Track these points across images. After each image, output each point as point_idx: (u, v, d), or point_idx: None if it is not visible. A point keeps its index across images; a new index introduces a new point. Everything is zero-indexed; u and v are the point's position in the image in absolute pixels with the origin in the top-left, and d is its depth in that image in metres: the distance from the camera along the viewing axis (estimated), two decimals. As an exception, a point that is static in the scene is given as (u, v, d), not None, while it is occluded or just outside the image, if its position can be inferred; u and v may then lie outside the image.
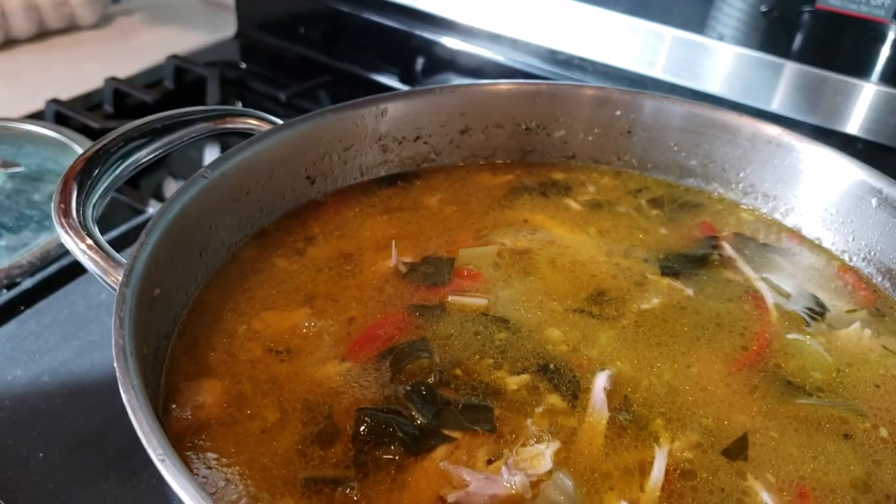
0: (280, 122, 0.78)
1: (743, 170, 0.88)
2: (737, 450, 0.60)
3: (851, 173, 0.80)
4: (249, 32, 1.58)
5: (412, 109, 0.87)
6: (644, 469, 0.58)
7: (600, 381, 0.64)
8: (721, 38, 1.11)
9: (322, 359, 0.66)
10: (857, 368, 0.69)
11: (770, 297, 0.75)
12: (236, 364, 0.65)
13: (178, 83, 1.39)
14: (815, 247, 0.84)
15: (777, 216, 0.87)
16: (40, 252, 0.94)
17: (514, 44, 1.30)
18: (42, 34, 1.59)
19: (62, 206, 0.63)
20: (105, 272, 0.60)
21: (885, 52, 1.01)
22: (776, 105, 1.10)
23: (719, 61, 1.12)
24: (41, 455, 0.74)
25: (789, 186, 0.85)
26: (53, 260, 0.95)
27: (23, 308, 0.91)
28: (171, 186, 1.21)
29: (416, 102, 0.87)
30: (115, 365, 0.51)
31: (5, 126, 1.18)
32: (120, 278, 0.58)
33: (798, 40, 1.06)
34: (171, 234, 0.64)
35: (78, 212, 0.63)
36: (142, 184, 1.19)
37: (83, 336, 0.87)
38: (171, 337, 0.66)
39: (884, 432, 0.63)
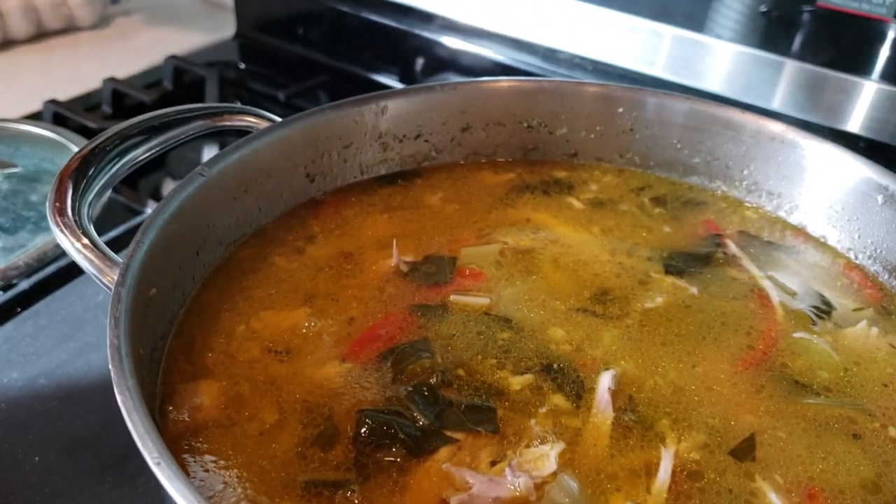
0: (278, 119, 0.77)
1: (747, 167, 0.87)
2: (744, 450, 0.59)
3: (857, 170, 0.79)
4: (248, 33, 1.57)
5: (412, 107, 0.86)
6: (650, 470, 0.57)
7: (605, 381, 0.63)
8: (721, 36, 1.10)
9: (322, 359, 0.65)
10: (865, 367, 0.68)
11: (776, 296, 0.74)
12: (234, 365, 0.64)
13: (177, 84, 1.38)
14: (821, 244, 0.83)
15: (781, 214, 0.86)
16: (37, 253, 0.93)
17: (513, 43, 1.29)
18: (40, 35, 1.59)
19: (57, 204, 0.62)
20: (101, 272, 0.59)
21: (885, 50, 1.01)
22: (777, 103, 1.10)
23: (720, 60, 1.11)
24: (37, 458, 0.73)
25: (794, 184, 0.84)
26: (50, 261, 0.94)
27: (19, 310, 0.90)
28: (169, 187, 1.20)
29: (417, 100, 0.86)
30: (110, 366, 0.50)
31: (2, 127, 1.17)
32: (116, 278, 0.57)
33: (799, 38, 1.05)
34: (168, 233, 0.63)
35: (73, 210, 0.62)
36: (140, 185, 1.19)
37: (80, 338, 0.87)
38: (168, 337, 0.65)
39: (893, 432, 0.62)
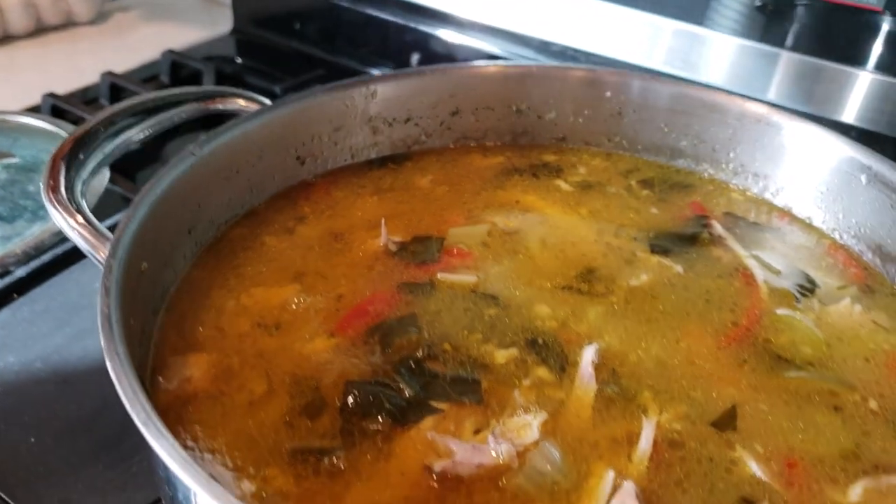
0: (269, 102, 0.79)
1: (733, 150, 0.88)
2: (725, 421, 0.60)
3: (840, 150, 0.80)
4: (245, 28, 1.59)
5: (402, 91, 0.87)
6: (632, 440, 0.58)
7: (588, 355, 0.64)
8: (718, 28, 1.11)
9: (311, 334, 0.66)
10: (848, 343, 0.69)
11: (760, 274, 0.75)
12: (224, 338, 0.65)
13: (174, 78, 1.39)
14: (806, 225, 0.84)
15: (768, 195, 0.87)
16: (34, 241, 0.94)
17: (509, 36, 1.30)
18: (39, 30, 1.60)
19: (51, 182, 0.63)
20: (94, 248, 0.61)
21: (879, 40, 1.01)
22: (772, 94, 1.10)
23: (716, 51, 1.12)
24: (33, 440, 0.74)
25: (779, 165, 0.85)
26: (47, 249, 0.95)
27: (16, 296, 0.91)
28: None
29: (406, 84, 0.87)
30: (101, 333, 0.51)
31: (2, 119, 1.19)
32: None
33: (794, 30, 1.06)
34: (159, 210, 0.65)
35: (67, 189, 0.64)
36: (137, 176, 1.20)
37: (76, 323, 0.88)
38: (160, 313, 0.66)
39: (873, 404, 0.63)
